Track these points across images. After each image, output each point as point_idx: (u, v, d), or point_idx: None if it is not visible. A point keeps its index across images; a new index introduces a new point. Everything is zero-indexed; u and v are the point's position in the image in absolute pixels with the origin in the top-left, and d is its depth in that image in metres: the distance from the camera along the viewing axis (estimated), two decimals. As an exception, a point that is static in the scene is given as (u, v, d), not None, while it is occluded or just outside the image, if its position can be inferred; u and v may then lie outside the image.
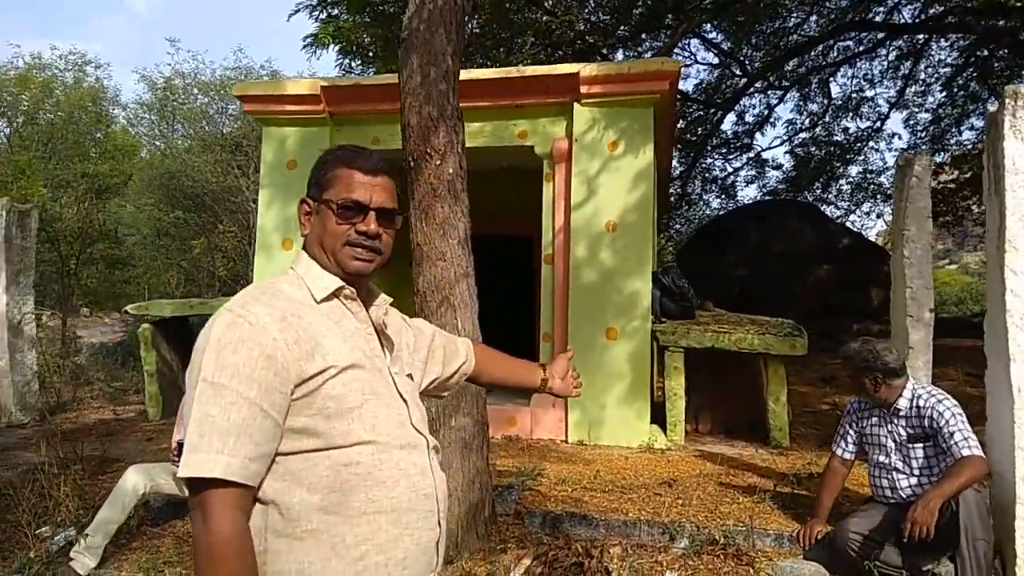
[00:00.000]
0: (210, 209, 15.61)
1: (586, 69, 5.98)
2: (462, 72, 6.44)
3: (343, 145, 1.48)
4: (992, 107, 3.49)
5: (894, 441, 3.42)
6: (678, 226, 22.00)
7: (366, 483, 1.24)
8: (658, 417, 6.00)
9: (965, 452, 3.10)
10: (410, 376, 1.51)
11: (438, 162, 3.67)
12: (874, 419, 3.52)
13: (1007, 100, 3.32)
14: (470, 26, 11.51)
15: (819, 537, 3.47)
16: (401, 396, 1.38)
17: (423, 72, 3.64)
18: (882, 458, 3.46)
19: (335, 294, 1.35)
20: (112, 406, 7.40)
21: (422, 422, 1.43)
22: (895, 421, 3.41)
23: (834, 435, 3.74)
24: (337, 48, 8.68)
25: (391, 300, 1.52)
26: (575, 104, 6.12)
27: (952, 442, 3.15)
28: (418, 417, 1.42)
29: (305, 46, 8.44)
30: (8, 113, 17.01)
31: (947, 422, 3.21)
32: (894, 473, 3.41)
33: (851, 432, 3.63)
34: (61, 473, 4.08)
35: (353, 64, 9.30)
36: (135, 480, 3.50)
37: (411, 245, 3.80)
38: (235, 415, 1.13)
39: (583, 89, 6.00)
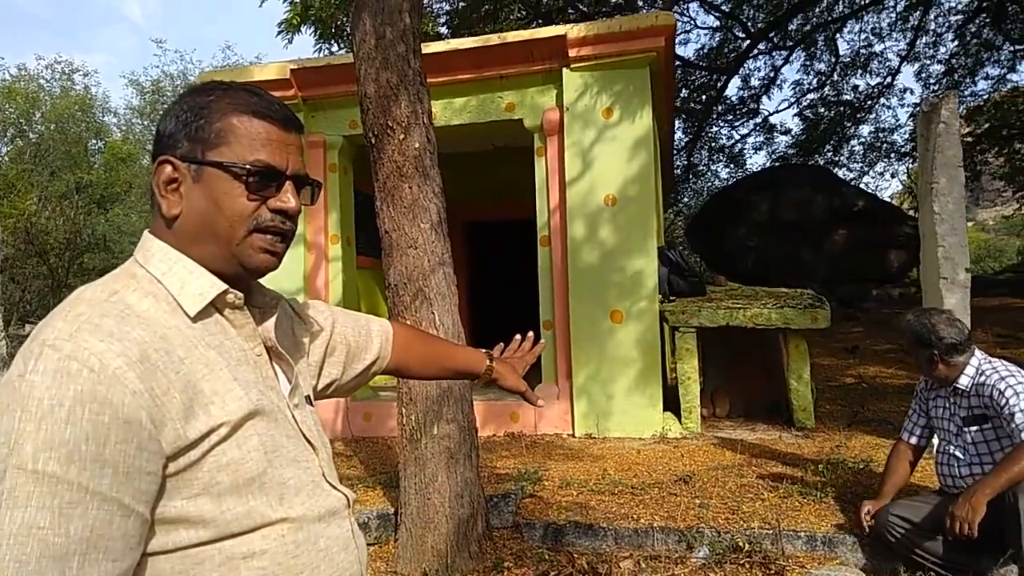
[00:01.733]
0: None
1: (574, 30, 5.49)
2: (440, 43, 6.02)
3: (216, 81, 0.99)
4: None
5: (955, 424, 2.97)
6: (686, 199, 21.49)
7: None
8: (672, 402, 5.56)
9: None
10: (308, 399, 1.06)
11: (401, 136, 3.22)
12: (939, 399, 3.07)
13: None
14: None
15: (871, 518, 3.05)
16: (307, 441, 0.97)
17: (377, 33, 3.19)
18: (944, 443, 3.03)
19: (212, 304, 0.91)
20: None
21: (331, 469, 1.02)
22: (957, 401, 2.96)
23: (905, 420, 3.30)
24: (313, 32, 8.23)
25: (283, 300, 1.08)
26: (564, 70, 5.63)
27: (1014, 424, 2.69)
28: (327, 461, 1.01)
29: (279, 32, 8.00)
30: (-3, 127, 16.71)
31: (1008, 401, 2.73)
32: (953, 460, 2.96)
33: (919, 414, 3.19)
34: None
35: (333, 49, 8.85)
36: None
37: (379, 233, 3.37)
38: (79, 523, 0.72)
39: (572, 52, 5.51)
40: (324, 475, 0.98)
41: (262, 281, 1.03)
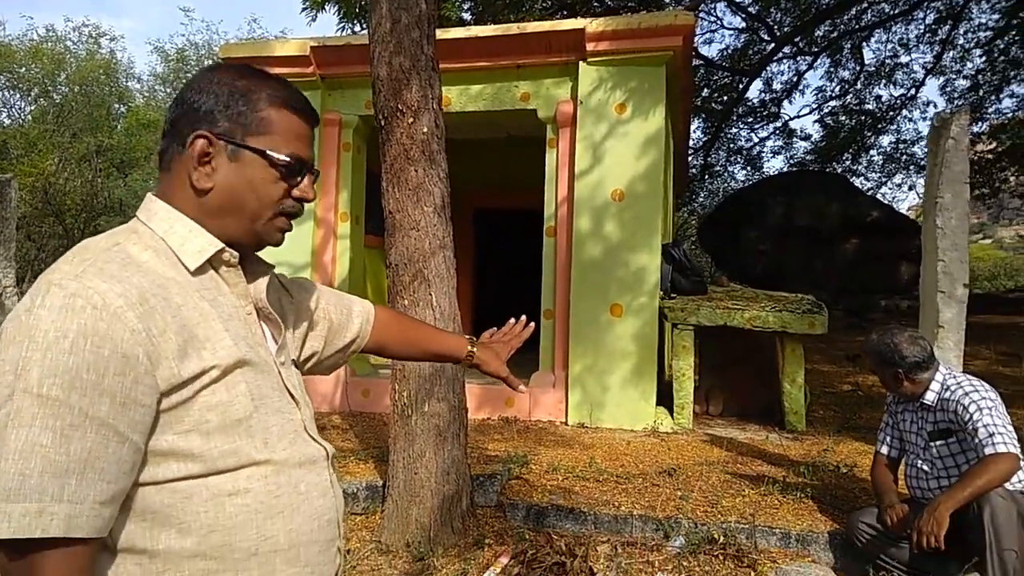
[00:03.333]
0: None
1: (592, 24, 5.53)
2: (460, 29, 6.08)
3: (247, 65, 1.07)
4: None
5: (922, 438, 3.05)
6: (702, 198, 21.46)
7: (258, 516, 0.94)
8: (667, 398, 5.64)
9: (988, 450, 2.70)
10: (294, 362, 1.16)
11: (411, 120, 3.30)
12: (907, 413, 3.14)
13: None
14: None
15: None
16: (291, 395, 1.05)
17: (393, 17, 3.26)
18: (912, 456, 3.10)
19: (209, 262, 0.98)
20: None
21: (313, 424, 1.10)
22: (924, 416, 3.03)
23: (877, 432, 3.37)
24: (337, 11, 8.30)
25: (274, 269, 1.15)
26: (581, 63, 5.68)
27: (978, 439, 2.76)
28: (309, 418, 1.09)
29: (303, 9, 8.08)
30: (21, 87, 16.88)
31: (971, 416, 2.80)
32: (921, 473, 3.04)
33: (891, 427, 3.26)
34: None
35: (356, 28, 8.91)
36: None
37: (383, 213, 3.46)
38: (78, 444, 0.79)
39: (589, 46, 5.56)
40: (306, 428, 1.06)
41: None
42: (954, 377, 2.99)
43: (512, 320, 1.66)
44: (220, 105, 0.99)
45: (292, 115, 1.02)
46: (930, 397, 2.97)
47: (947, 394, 2.93)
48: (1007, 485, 2.72)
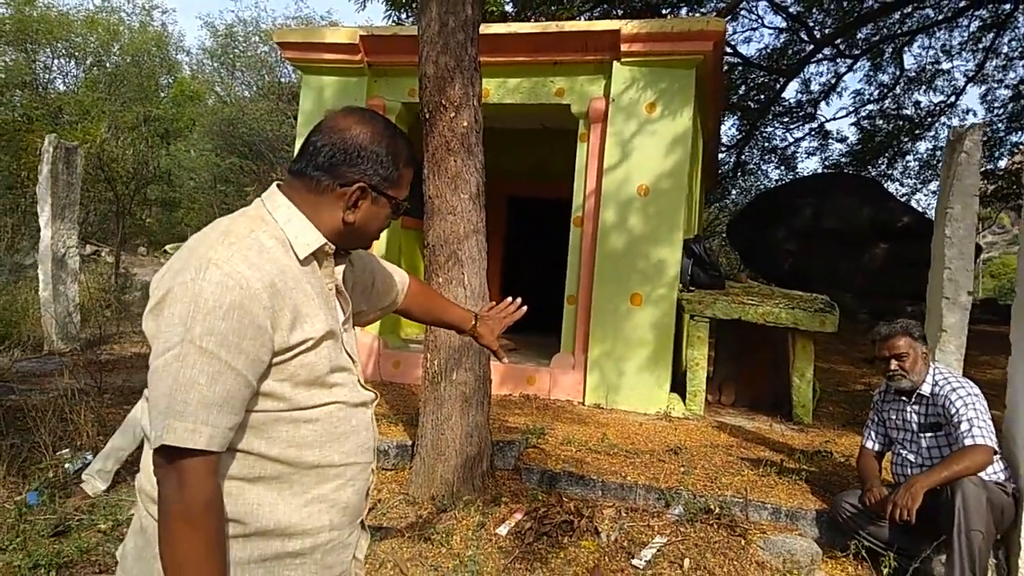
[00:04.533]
0: (265, 157, 15.93)
1: (627, 26, 5.80)
2: (501, 26, 6.38)
3: (406, 138, 1.41)
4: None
5: (908, 430, 3.34)
6: (734, 195, 21.51)
7: (321, 440, 1.28)
8: (681, 386, 5.94)
9: (968, 441, 3.00)
10: (352, 326, 1.50)
11: (452, 114, 3.63)
12: (894, 408, 3.43)
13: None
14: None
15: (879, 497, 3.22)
16: (349, 355, 1.39)
17: (441, 20, 3.58)
18: (898, 447, 3.40)
19: (314, 254, 1.30)
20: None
21: (362, 376, 1.45)
22: (916, 408, 3.31)
23: (863, 427, 3.65)
24: (385, 0, 8.62)
25: (349, 253, 1.48)
26: (615, 63, 5.96)
27: (960, 431, 3.05)
28: (359, 371, 1.44)
29: (353, -4, 8.38)
30: (76, 55, 17.51)
31: (958, 410, 3.10)
32: (906, 462, 3.33)
33: (876, 423, 3.55)
34: (84, 400, 4.27)
35: (401, 17, 9.23)
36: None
37: (423, 198, 3.80)
38: (221, 387, 1.12)
39: (624, 47, 5.83)
40: (359, 379, 1.41)
41: None
42: (942, 374, 3.29)
43: (508, 299, 1.99)
44: (379, 163, 1.31)
45: (412, 171, 1.38)
46: (927, 388, 3.26)
47: (937, 388, 3.23)
48: (981, 474, 3.01)
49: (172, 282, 1.16)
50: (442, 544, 3.26)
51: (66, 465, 3.73)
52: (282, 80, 18.15)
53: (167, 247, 7.48)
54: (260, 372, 1.18)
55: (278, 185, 1.35)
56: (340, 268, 1.40)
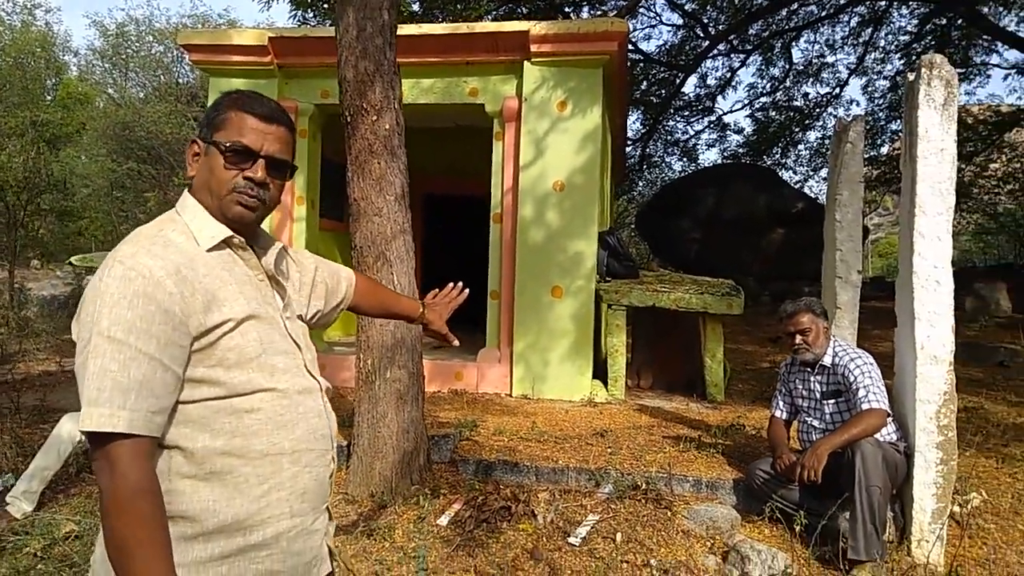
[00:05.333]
0: (165, 161, 15.33)
1: (536, 27, 5.98)
2: (412, 27, 6.45)
3: (241, 90, 1.46)
4: (910, 75, 3.61)
5: (812, 399, 3.64)
6: (641, 187, 22.18)
7: (267, 428, 1.30)
8: (602, 372, 6.19)
9: (865, 405, 3.32)
10: (300, 317, 1.55)
11: (374, 118, 3.70)
12: (799, 378, 3.73)
13: (923, 69, 3.45)
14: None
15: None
16: (294, 341, 1.43)
17: (359, 26, 3.64)
18: (804, 415, 3.69)
19: (224, 242, 1.34)
20: (58, 358, 7.35)
21: (313, 364, 1.49)
22: (819, 378, 3.61)
23: (771, 399, 3.94)
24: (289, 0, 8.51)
25: (281, 244, 1.54)
26: (525, 63, 6.13)
27: (857, 397, 3.37)
28: (310, 359, 1.48)
29: (257, -5, 8.24)
30: (-49, 58, 16.36)
31: (855, 378, 3.42)
32: (811, 428, 3.63)
33: (783, 393, 3.84)
34: (-1, 421, 4.12)
35: (307, 16, 9.12)
36: (70, 428, 3.55)
37: (348, 200, 3.85)
38: (135, 371, 1.14)
39: (533, 48, 6.01)
40: (305, 365, 1.45)
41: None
42: (841, 346, 3.62)
43: (451, 284, 2.08)
44: (206, 118, 1.37)
45: (244, 113, 1.34)
46: (828, 360, 3.57)
47: (837, 359, 3.55)
48: (877, 436, 3.33)
49: (87, 288, 1.23)
50: (385, 539, 3.34)
51: (-15, 489, 3.59)
52: (180, 81, 17.50)
53: (72, 259, 7.14)
54: (179, 356, 1.21)
55: (188, 188, 1.41)
56: (270, 255, 1.46)
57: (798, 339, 3.63)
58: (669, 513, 3.56)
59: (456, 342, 2.06)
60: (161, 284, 1.19)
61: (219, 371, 1.26)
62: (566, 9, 12.71)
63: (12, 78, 15.90)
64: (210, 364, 1.26)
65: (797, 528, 3.18)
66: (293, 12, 9.02)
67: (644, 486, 3.74)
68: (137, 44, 17.64)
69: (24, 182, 11.54)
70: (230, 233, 1.36)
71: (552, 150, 6.08)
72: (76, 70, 19.63)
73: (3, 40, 16.64)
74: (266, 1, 8.05)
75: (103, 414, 1.13)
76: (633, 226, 18.90)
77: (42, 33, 17.49)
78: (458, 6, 10.68)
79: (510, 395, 6.07)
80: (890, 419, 3.44)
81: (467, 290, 2.08)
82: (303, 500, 1.36)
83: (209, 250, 1.32)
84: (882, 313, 9.30)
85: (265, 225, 6.41)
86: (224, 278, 1.31)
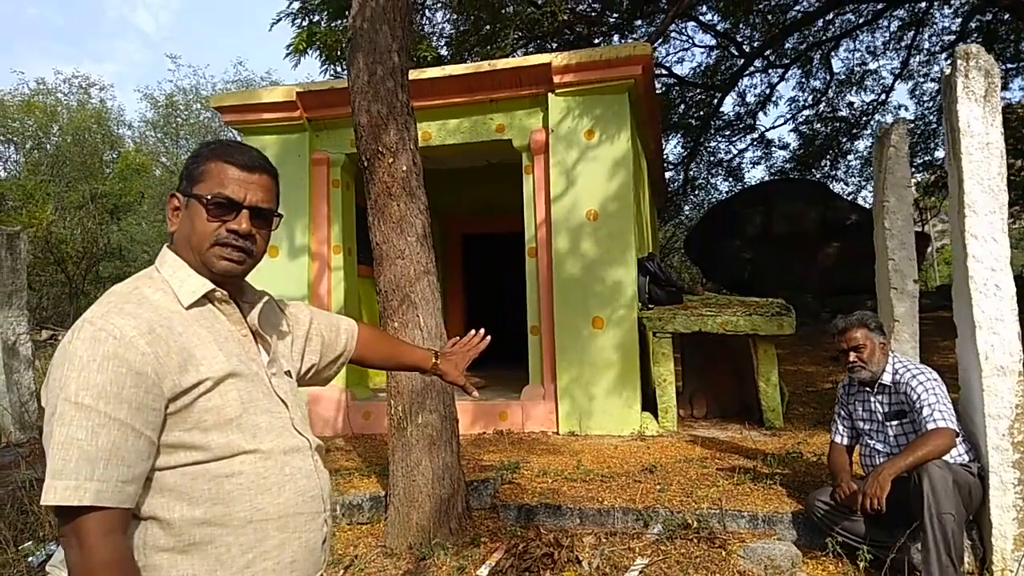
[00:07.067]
0: (217, 222, 15.75)
1: (558, 58, 5.94)
2: (436, 69, 6.48)
3: (221, 140, 1.40)
4: (946, 69, 3.39)
5: (875, 420, 3.38)
6: (687, 211, 21.88)
7: (250, 492, 1.22)
8: (652, 403, 5.96)
9: (930, 425, 3.05)
10: (288, 373, 1.45)
11: (391, 160, 3.66)
12: (859, 399, 3.47)
13: (959, 61, 3.24)
14: (450, 20, 11.51)
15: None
16: (280, 399, 1.35)
17: (370, 70, 3.63)
18: (866, 439, 3.43)
19: (206, 297, 1.28)
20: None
21: (303, 422, 1.40)
22: (879, 398, 3.35)
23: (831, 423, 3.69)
24: (319, 54, 8.69)
25: (267, 296, 1.46)
26: (549, 94, 6.08)
27: (922, 416, 3.10)
28: (299, 418, 1.39)
29: (287, 55, 8.46)
30: (15, 140, 17.29)
31: (919, 396, 3.15)
32: (874, 452, 3.36)
33: (843, 417, 3.58)
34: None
35: (338, 69, 9.30)
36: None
37: (371, 245, 3.80)
38: (104, 438, 1.08)
39: (556, 79, 5.96)
40: (293, 424, 1.35)
41: (254, 285, 1.43)
42: (901, 362, 3.35)
43: (472, 331, 1.95)
44: (185, 170, 1.33)
45: (224, 165, 1.29)
46: (887, 378, 3.31)
47: (898, 376, 3.28)
48: (945, 457, 3.05)
49: (56, 351, 1.16)
50: (423, 593, 3.21)
51: (29, 558, 3.59)
52: (228, 144, 18.09)
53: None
54: (152, 421, 1.13)
55: (167, 244, 1.35)
56: (255, 310, 1.37)
57: (852, 356, 3.39)
58: (723, 552, 3.33)
59: (475, 392, 1.93)
60: (133, 344, 1.12)
61: (196, 434, 1.19)
62: (595, 41, 12.71)
63: (71, 155, 16.71)
64: (186, 427, 1.18)
65: (862, 564, 2.92)
66: (324, 66, 9.22)
67: (696, 524, 3.52)
68: (186, 112, 18.39)
69: (82, 252, 12.01)
70: (212, 286, 1.29)
71: (583, 179, 5.98)
72: (131, 142, 20.56)
73: (61, 119, 17.55)
74: (293, 56, 8.22)
75: (68, 486, 1.05)
76: (682, 251, 18.56)
77: (97, 110, 18.39)
78: (488, 48, 10.78)
79: (556, 433, 5.89)
80: (959, 438, 3.16)
81: (488, 337, 1.95)
82: (291, 570, 1.27)
83: (189, 306, 1.25)
84: (952, 324, 8.82)
85: (303, 275, 6.47)
86: (202, 336, 1.24)
